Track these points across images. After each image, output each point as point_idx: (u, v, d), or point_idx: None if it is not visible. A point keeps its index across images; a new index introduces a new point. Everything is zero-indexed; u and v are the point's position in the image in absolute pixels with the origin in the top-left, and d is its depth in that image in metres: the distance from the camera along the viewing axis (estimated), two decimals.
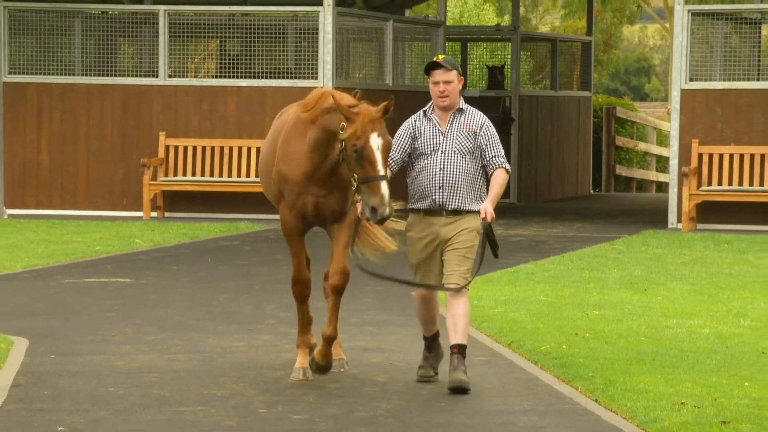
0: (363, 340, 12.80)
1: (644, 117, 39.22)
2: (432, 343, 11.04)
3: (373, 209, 10.34)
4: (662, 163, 37.11)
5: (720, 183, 24.23)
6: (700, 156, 24.30)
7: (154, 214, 25.06)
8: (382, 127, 10.49)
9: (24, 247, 20.24)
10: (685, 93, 24.56)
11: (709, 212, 24.26)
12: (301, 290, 11.21)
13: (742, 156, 24.21)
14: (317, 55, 24.99)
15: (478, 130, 10.79)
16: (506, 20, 45.83)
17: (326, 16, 24.89)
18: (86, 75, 25.93)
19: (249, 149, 25.00)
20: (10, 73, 25.60)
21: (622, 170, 36.52)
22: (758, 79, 25.16)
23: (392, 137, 10.69)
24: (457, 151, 10.75)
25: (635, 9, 51.32)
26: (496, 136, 10.85)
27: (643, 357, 12.08)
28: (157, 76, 25.70)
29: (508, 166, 10.82)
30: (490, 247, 10.65)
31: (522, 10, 41.42)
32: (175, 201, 25.43)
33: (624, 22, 52.97)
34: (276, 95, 24.58)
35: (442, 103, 10.81)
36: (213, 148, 25.34)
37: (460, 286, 10.61)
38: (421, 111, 10.91)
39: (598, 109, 35.99)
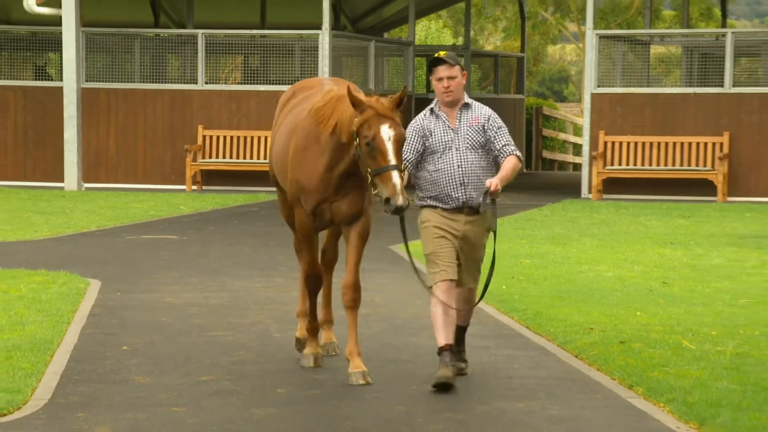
0: None
1: (564, 114, 39.24)
2: (449, 354, 8.38)
3: (387, 200, 7.94)
4: (577, 149, 37.16)
5: (620, 163, 24.30)
6: (606, 143, 24.36)
7: (194, 187, 25.07)
8: (394, 118, 8.09)
9: (97, 212, 20.24)
10: (594, 96, 24.60)
11: (612, 186, 24.34)
12: (314, 283, 8.92)
13: (636, 143, 24.27)
14: (317, 67, 25.01)
15: (485, 123, 8.47)
16: (460, 41, 45.73)
17: (324, 38, 24.88)
18: (143, 82, 25.91)
19: (266, 138, 25.05)
20: (86, 81, 25.55)
21: (547, 154, 36.56)
22: (648, 86, 25.27)
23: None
24: (470, 147, 8.42)
25: (557, 33, 51.30)
26: (504, 126, 8.54)
27: (562, 294, 12.13)
28: (196, 83, 25.68)
29: (519, 153, 8.45)
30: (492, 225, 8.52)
31: (472, 33, 41.33)
32: (211, 177, 25.44)
33: (548, 43, 52.90)
34: None
35: (447, 99, 8.42)
36: (239, 137, 25.35)
37: (474, 289, 8.65)
38: (428, 109, 8.54)
39: (529, 108, 36.00)
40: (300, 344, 9.25)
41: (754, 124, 23.96)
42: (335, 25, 29.37)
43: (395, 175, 7.95)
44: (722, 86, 24.11)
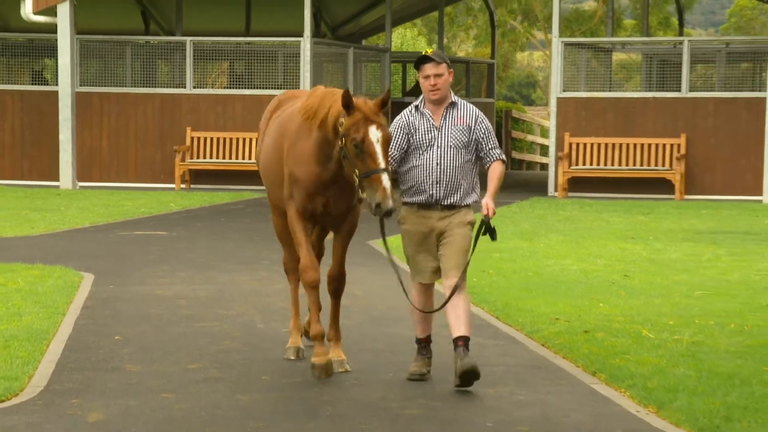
0: None
1: (531, 117, 39.30)
2: (426, 345, 8.26)
3: (377, 205, 7.51)
4: (544, 150, 37.23)
5: (584, 163, 24.36)
6: (571, 144, 24.41)
7: (183, 186, 25.01)
8: (380, 120, 7.69)
9: (90, 209, 20.18)
10: (560, 100, 24.66)
11: (577, 184, 24.40)
12: (312, 274, 8.25)
13: (599, 145, 24.34)
14: (299, 72, 24.98)
15: (473, 124, 7.97)
16: (434, 47, 45.75)
17: (306, 45, 24.86)
18: (134, 86, 25.84)
19: (250, 140, 25.02)
20: (80, 85, 25.47)
21: (516, 155, 36.61)
22: (610, 91, 25.33)
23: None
24: (452, 146, 7.92)
25: (525, 40, 51.43)
26: (491, 129, 8.05)
27: (530, 286, 12.15)
28: (185, 87, 25.62)
29: (504, 157, 8.02)
30: (490, 236, 8.09)
31: (445, 40, 41.34)
32: (198, 176, 25.38)
33: (517, 50, 53.01)
34: (270, 101, 24.51)
35: (434, 97, 7.92)
36: (225, 139, 25.30)
37: (459, 282, 8.07)
38: (412, 106, 8.04)
39: (499, 111, 36.05)
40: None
41: (709, 127, 24.05)
42: (316, 33, 29.35)
43: (385, 179, 7.53)
44: (679, 91, 24.21)
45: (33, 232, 16.85)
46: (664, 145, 24.02)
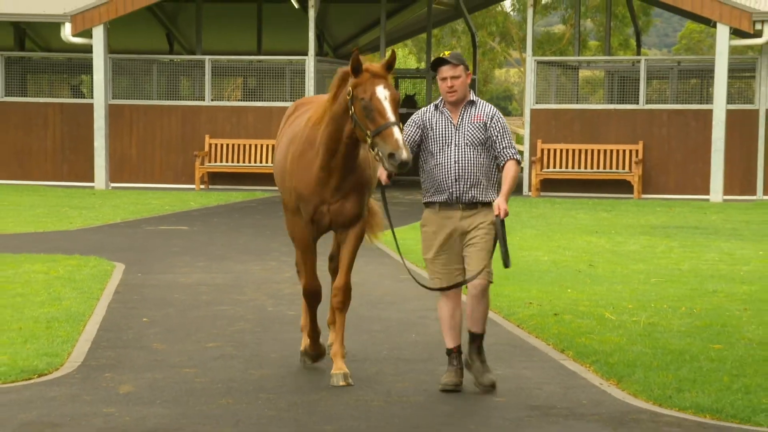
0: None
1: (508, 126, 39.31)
2: (457, 356, 7.20)
3: (390, 155, 6.56)
4: (519, 155, 37.20)
5: (554, 167, 24.38)
6: (543, 150, 24.42)
7: (202, 186, 25.00)
8: (387, 81, 6.82)
9: (121, 207, 20.17)
10: (533, 111, 24.67)
11: (548, 185, 24.41)
12: (313, 300, 7.63)
13: (567, 150, 24.36)
14: (304, 87, 25.00)
15: (488, 121, 7.04)
16: (423, 65, 45.75)
17: (310, 62, 24.86)
18: (160, 99, 25.83)
19: (262, 146, 25.04)
20: (113, 98, 25.45)
21: None
22: (577, 103, 25.37)
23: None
24: (470, 144, 7.00)
25: (502, 59, 51.41)
26: (507, 128, 7.10)
27: (507, 275, 12.12)
28: (204, 100, 25.61)
29: (518, 157, 7.08)
30: (502, 250, 7.10)
31: (432, 58, 41.40)
32: (215, 178, 25.37)
33: (495, 67, 52.98)
34: (279, 112, 24.54)
35: (451, 98, 7.01)
36: (239, 145, 25.30)
37: (486, 282, 7.27)
38: (432, 105, 7.11)
39: None
40: (306, 356, 7.84)
41: (664, 135, 24.10)
42: (319, 52, 29.34)
43: (396, 131, 6.61)
44: (637, 103, 24.23)
45: (71, 226, 16.84)
46: (624, 151, 24.04)
